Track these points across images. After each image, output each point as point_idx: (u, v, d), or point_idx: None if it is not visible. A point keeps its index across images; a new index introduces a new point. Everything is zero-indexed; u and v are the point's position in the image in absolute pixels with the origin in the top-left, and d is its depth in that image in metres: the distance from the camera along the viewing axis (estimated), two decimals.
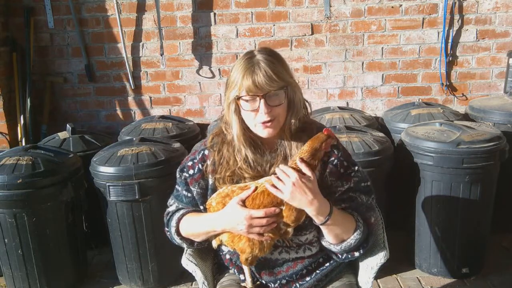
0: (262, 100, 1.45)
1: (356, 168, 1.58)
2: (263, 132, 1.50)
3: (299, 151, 1.46)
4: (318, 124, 1.65)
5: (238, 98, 1.47)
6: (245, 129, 1.54)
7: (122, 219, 2.61)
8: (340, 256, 1.58)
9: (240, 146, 1.54)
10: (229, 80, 1.51)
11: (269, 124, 1.48)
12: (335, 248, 1.55)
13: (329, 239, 1.53)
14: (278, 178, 1.42)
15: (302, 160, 1.42)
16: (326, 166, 1.54)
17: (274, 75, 1.44)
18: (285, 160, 1.54)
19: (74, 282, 2.78)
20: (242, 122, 1.52)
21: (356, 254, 1.56)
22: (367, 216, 1.56)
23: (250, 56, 1.48)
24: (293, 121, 1.53)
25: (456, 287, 2.65)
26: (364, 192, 1.58)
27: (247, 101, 1.46)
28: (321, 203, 1.42)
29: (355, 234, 1.51)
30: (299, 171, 1.41)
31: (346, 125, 2.85)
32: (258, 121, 1.48)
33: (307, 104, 1.60)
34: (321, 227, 1.49)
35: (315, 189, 1.41)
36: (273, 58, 1.48)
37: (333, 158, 1.56)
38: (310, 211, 1.42)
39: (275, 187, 1.42)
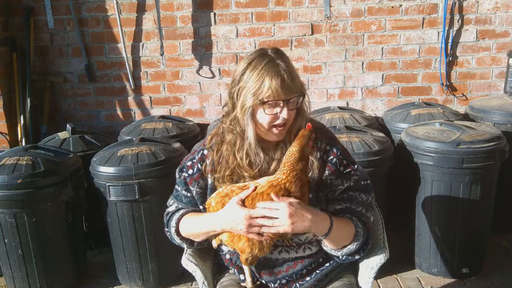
0: (285, 105, 1.45)
1: (356, 166, 1.58)
2: (275, 135, 1.52)
3: (288, 154, 1.44)
4: (316, 122, 1.65)
5: (263, 102, 1.45)
6: (257, 132, 1.54)
7: (122, 219, 2.61)
8: (341, 257, 1.59)
9: (257, 148, 1.53)
10: (243, 82, 1.47)
11: (282, 128, 1.50)
12: (336, 253, 1.56)
13: (330, 246, 1.54)
14: (267, 216, 1.39)
15: (276, 195, 1.39)
16: (326, 165, 1.55)
17: (297, 81, 1.47)
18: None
19: (74, 282, 2.78)
20: (256, 125, 1.51)
21: (357, 256, 1.57)
22: (367, 216, 1.56)
23: (270, 59, 1.46)
24: (299, 125, 1.53)
25: (456, 287, 2.65)
26: (364, 190, 1.58)
27: (270, 105, 1.46)
28: (321, 219, 1.43)
29: (355, 240, 1.52)
30: (280, 197, 1.39)
31: (346, 125, 2.85)
32: (274, 124, 1.49)
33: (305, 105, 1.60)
34: (323, 240, 1.50)
35: (308, 208, 1.41)
36: (291, 63, 1.49)
37: (332, 157, 1.56)
38: (314, 229, 1.43)
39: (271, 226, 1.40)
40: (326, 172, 1.54)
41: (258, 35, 3.45)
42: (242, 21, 3.43)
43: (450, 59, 3.46)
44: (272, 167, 1.54)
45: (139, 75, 3.56)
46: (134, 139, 2.81)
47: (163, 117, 3.38)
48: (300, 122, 1.54)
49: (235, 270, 1.71)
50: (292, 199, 1.39)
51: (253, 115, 1.49)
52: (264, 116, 1.48)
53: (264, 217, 1.42)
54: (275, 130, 1.50)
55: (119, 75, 3.57)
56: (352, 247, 1.52)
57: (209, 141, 1.63)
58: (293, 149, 1.43)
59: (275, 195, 1.40)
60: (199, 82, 3.57)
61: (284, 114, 1.46)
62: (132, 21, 3.46)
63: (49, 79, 3.53)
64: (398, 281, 2.71)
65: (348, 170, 1.56)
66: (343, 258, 1.58)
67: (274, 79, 1.43)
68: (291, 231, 1.39)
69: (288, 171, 1.42)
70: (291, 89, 1.44)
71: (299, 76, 1.53)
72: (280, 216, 1.38)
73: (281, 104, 1.45)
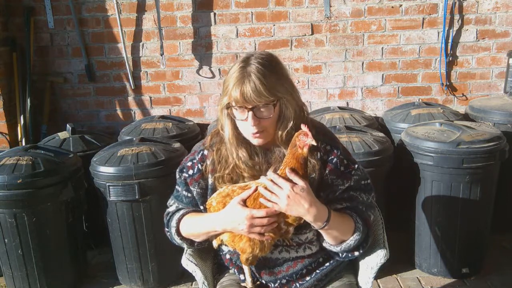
0: (250, 113, 1.44)
1: (356, 166, 1.58)
2: (253, 141, 1.52)
3: (284, 162, 1.44)
4: (316, 122, 1.65)
5: (228, 106, 1.48)
6: (239, 132, 1.54)
7: (122, 219, 2.61)
8: (340, 255, 1.59)
9: (232, 149, 1.54)
10: (224, 84, 1.50)
11: (257, 135, 1.49)
12: (335, 249, 1.56)
13: (328, 241, 1.55)
14: (270, 190, 1.40)
15: (291, 169, 1.41)
16: (326, 165, 1.55)
17: (264, 90, 1.41)
18: (280, 160, 1.53)
19: (74, 282, 2.78)
20: (234, 125, 1.52)
21: (356, 253, 1.57)
22: (367, 215, 1.56)
23: (244, 64, 1.45)
24: (280, 132, 1.50)
25: (456, 287, 2.65)
26: (364, 190, 1.58)
27: (237, 109, 1.47)
28: (318, 210, 1.42)
29: (354, 235, 1.51)
30: (290, 180, 1.40)
31: (346, 125, 2.85)
32: (248, 131, 1.49)
33: (304, 108, 1.58)
34: (320, 230, 1.50)
35: (310, 197, 1.40)
36: (267, 70, 1.44)
37: (332, 157, 1.56)
38: (308, 218, 1.43)
39: (268, 199, 1.41)
40: (327, 172, 1.54)
41: (258, 35, 3.45)
42: (242, 21, 3.43)
43: (450, 59, 3.46)
44: (271, 168, 1.54)
45: (139, 75, 3.56)
46: (134, 139, 2.81)
47: (163, 117, 3.38)
48: (282, 129, 1.49)
49: (235, 270, 1.70)
50: (300, 184, 1.39)
51: (231, 118, 1.51)
52: (237, 121, 1.50)
53: (265, 217, 1.42)
54: (251, 136, 1.50)
55: (119, 75, 3.57)
56: (351, 242, 1.52)
57: (209, 141, 1.63)
58: (287, 159, 1.44)
59: (290, 172, 1.40)
60: (199, 82, 3.57)
61: (249, 121, 1.44)
62: (132, 21, 3.46)
63: (49, 79, 3.53)
64: (398, 281, 2.71)
65: (348, 169, 1.56)
66: (343, 256, 1.58)
67: (236, 86, 1.42)
68: (285, 211, 1.41)
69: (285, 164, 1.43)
70: (255, 98, 1.41)
71: (286, 82, 1.48)
72: (280, 194, 1.39)
73: (246, 111, 1.45)
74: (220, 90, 3.50)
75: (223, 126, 1.55)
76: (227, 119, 1.52)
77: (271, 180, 1.41)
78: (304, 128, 1.42)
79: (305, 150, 1.41)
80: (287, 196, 1.38)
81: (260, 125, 1.46)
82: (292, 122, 1.50)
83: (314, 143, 1.40)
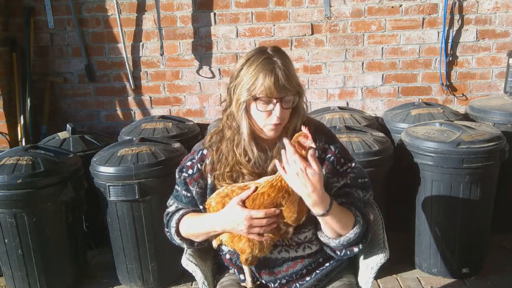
0: (278, 103, 1.45)
1: (353, 164, 1.58)
2: (270, 132, 1.51)
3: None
4: (315, 121, 1.65)
5: (256, 98, 1.46)
6: (252, 128, 1.53)
7: (122, 219, 2.61)
8: (339, 253, 1.57)
9: (251, 143, 1.53)
10: (240, 78, 1.49)
11: (275, 126, 1.49)
12: (333, 243, 1.53)
13: (327, 234, 1.52)
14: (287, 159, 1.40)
15: (312, 154, 1.40)
16: (323, 163, 1.54)
17: (293, 79, 1.45)
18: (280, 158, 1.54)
19: (74, 282, 2.78)
20: (251, 121, 1.52)
21: (355, 249, 1.54)
22: (366, 211, 1.54)
23: (267, 56, 1.47)
24: (298, 124, 1.53)
25: (456, 287, 2.65)
26: (362, 188, 1.58)
27: (263, 101, 1.46)
28: (320, 197, 1.40)
29: (354, 228, 1.49)
30: (306, 160, 1.39)
31: (346, 125, 2.86)
32: (269, 122, 1.48)
33: (306, 105, 1.59)
34: (318, 218, 1.48)
35: (316, 184, 1.38)
36: (288, 60, 1.49)
37: (330, 155, 1.56)
38: (308, 202, 1.41)
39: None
40: (323, 170, 1.54)
41: (258, 35, 3.45)
42: (242, 21, 3.43)
43: (450, 59, 3.46)
44: (270, 166, 1.54)
45: (139, 75, 3.56)
46: (134, 139, 2.81)
47: (163, 117, 3.38)
48: (296, 122, 1.53)
49: (235, 270, 1.70)
50: (314, 169, 1.37)
51: (247, 111, 1.50)
52: (257, 113, 1.48)
53: (264, 218, 1.42)
54: (269, 127, 1.50)
55: (119, 75, 3.57)
56: (351, 235, 1.49)
57: (208, 140, 1.63)
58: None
59: (311, 155, 1.39)
60: (199, 82, 3.57)
61: (276, 111, 1.45)
62: (132, 21, 3.46)
63: (49, 79, 3.53)
64: (398, 281, 2.71)
65: (345, 168, 1.56)
66: (342, 254, 1.56)
67: (268, 76, 1.43)
68: (289, 184, 1.40)
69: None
70: (286, 87, 1.44)
71: (298, 76, 1.52)
72: (291, 167, 1.38)
73: (274, 101, 1.45)
74: (221, 90, 3.54)
75: (239, 121, 1.52)
76: (244, 114, 1.50)
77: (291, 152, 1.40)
78: (304, 130, 1.42)
79: (305, 151, 1.41)
80: (296, 173, 1.37)
81: (282, 116, 1.48)
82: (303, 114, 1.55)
83: (313, 146, 1.40)
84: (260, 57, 1.46)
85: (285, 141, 1.43)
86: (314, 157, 1.40)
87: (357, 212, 1.51)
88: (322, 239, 1.57)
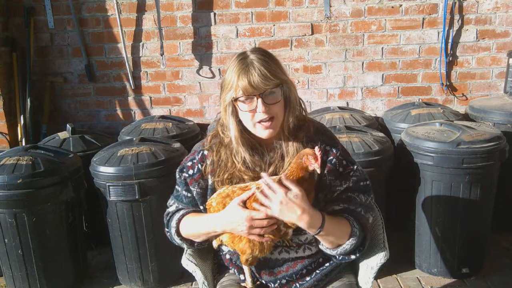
0: (259, 100, 1.46)
1: (355, 167, 1.58)
2: (263, 132, 1.51)
3: (288, 169, 1.46)
4: (315, 122, 1.65)
5: (235, 99, 1.48)
6: (243, 131, 1.54)
7: (122, 219, 2.61)
8: (337, 257, 1.59)
9: (238, 148, 1.54)
10: (224, 82, 1.52)
11: (268, 124, 1.49)
12: (331, 252, 1.56)
13: (325, 245, 1.55)
14: (264, 194, 1.41)
15: (287, 177, 1.42)
16: (325, 165, 1.54)
17: (269, 74, 1.45)
18: (282, 160, 1.54)
19: (74, 282, 2.78)
20: (239, 124, 1.53)
21: (353, 256, 1.57)
22: (365, 219, 1.55)
23: (243, 56, 1.49)
24: (291, 119, 1.53)
25: (456, 287, 2.65)
26: (363, 191, 1.58)
27: (244, 102, 1.47)
28: (311, 216, 1.41)
29: (350, 239, 1.51)
30: (285, 186, 1.40)
31: (346, 125, 2.85)
32: (257, 120, 1.49)
33: (301, 102, 1.60)
34: (315, 236, 1.50)
35: (303, 204, 1.40)
36: (266, 57, 1.49)
37: (331, 157, 1.56)
38: (301, 225, 1.42)
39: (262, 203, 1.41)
40: (325, 172, 1.54)
41: (258, 35, 3.45)
42: (242, 21, 3.43)
43: (450, 59, 3.46)
44: (270, 170, 1.54)
45: (139, 75, 3.57)
46: (134, 139, 2.81)
47: (163, 117, 3.39)
48: (292, 113, 1.53)
49: (235, 270, 1.71)
50: (294, 191, 1.38)
51: (236, 116, 1.52)
52: (243, 114, 1.50)
53: (265, 218, 1.42)
54: (262, 127, 1.50)
55: (119, 75, 3.57)
56: (347, 246, 1.52)
57: (209, 141, 1.63)
58: (293, 162, 1.46)
59: (285, 178, 1.40)
60: (199, 82, 3.57)
61: (259, 108, 1.46)
62: (132, 21, 3.46)
63: (49, 79, 3.53)
64: (398, 281, 2.71)
65: (347, 170, 1.56)
66: (340, 258, 1.58)
67: (242, 75, 1.44)
68: (277, 216, 1.41)
69: (289, 173, 1.44)
70: (262, 82, 1.44)
71: (283, 68, 1.52)
72: (273, 199, 1.39)
73: (255, 99, 1.46)
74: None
75: (227, 125, 1.55)
76: (231, 117, 1.52)
77: (266, 184, 1.41)
78: (317, 151, 1.42)
79: (311, 168, 1.42)
80: (280, 201, 1.38)
81: (270, 111, 1.48)
82: (298, 106, 1.55)
83: (318, 171, 1.42)
84: (237, 60, 1.49)
85: (263, 175, 1.44)
86: (288, 179, 1.41)
87: (354, 223, 1.52)
88: (320, 247, 1.59)
